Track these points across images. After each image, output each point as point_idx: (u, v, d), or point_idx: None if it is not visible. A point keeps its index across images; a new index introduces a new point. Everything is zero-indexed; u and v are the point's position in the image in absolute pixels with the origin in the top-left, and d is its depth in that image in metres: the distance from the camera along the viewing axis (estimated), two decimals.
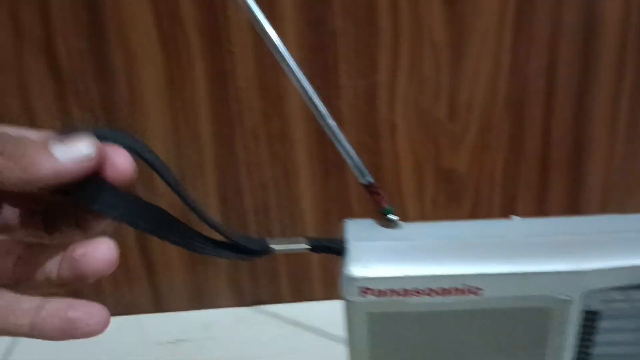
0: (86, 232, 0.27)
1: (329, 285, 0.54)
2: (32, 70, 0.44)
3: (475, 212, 0.50)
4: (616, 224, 0.35)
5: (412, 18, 0.43)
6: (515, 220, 0.36)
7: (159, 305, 0.54)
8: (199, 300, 0.54)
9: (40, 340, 0.57)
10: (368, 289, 0.33)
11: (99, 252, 0.25)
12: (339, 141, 0.35)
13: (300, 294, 0.54)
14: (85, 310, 0.25)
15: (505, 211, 0.50)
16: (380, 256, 0.34)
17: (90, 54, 0.44)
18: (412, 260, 0.33)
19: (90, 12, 0.42)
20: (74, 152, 0.25)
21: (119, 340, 0.52)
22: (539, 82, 0.45)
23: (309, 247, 0.35)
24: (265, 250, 0.33)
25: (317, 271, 0.53)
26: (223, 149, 0.48)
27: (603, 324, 0.34)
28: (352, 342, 0.36)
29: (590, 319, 0.34)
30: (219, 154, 0.48)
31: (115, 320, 0.57)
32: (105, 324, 0.25)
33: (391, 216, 0.36)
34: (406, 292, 0.33)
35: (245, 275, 0.53)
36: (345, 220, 0.37)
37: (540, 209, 0.49)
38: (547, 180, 0.49)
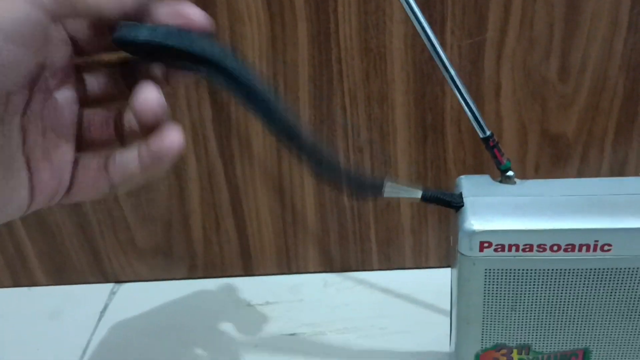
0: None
1: (418, 253, 0.53)
2: None
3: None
4: None
5: None
6: None
7: (249, 269, 0.54)
8: (288, 265, 0.54)
9: (134, 299, 0.58)
10: (487, 243, 0.32)
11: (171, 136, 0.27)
12: (460, 93, 0.34)
13: (390, 262, 0.53)
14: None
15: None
16: (499, 210, 0.33)
17: None
18: (534, 215, 0.32)
19: None
20: None
21: (211, 301, 0.53)
22: None
23: (420, 195, 0.34)
24: (377, 189, 0.33)
25: (408, 239, 0.52)
26: (321, 110, 0.47)
27: None
28: (463, 299, 0.34)
29: None
30: (316, 115, 0.47)
31: (208, 282, 0.58)
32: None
33: (509, 172, 0.35)
34: (529, 248, 0.32)
35: (335, 242, 0.53)
36: (460, 176, 0.36)
37: None
38: None
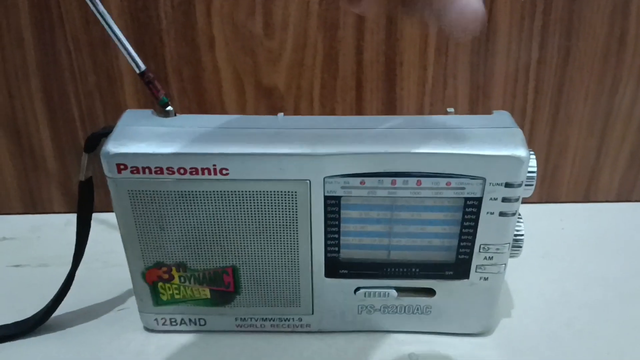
0: None
1: None
2: None
3: None
4: (372, 122, 0.38)
5: None
6: (280, 116, 0.39)
7: None
8: (33, 205, 0.56)
9: None
10: (123, 165, 0.35)
11: None
12: (115, 35, 0.37)
13: None
14: None
15: None
16: (139, 137, 0.36)
17: None
18: (167, 141, 0.36)
19: None
20: None
21: None
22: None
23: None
24: None
25: None
26: (46, 55, 0.49)
27: (347, 212, 0.38)
28: (119, 221, 0.38)
29: (333, 204, 0.37)
30: (42, 60, 0.49)
31: None
32: None
33: (167, 107, 0.38)
34: (159, 170, 0.36)
35: (76, 184, 0.55)
36: (126, 110, 0.39)
37: None
38: (363, 100, 0.52)
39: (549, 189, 0.58)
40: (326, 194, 0.36)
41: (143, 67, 0.37)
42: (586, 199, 0.59)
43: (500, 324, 0.45)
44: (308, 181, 0.36)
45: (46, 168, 0.54)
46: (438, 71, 0.50)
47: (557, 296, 0.47)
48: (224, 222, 0.37)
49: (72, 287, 0.44)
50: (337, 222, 0.38)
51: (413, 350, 0.42)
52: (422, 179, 0.36)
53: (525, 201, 0.37)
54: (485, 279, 0.40)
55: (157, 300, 0.42)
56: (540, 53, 0.51)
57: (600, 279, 0.49)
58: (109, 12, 0.37)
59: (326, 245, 0.39)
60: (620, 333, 0.44)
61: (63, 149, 0.53)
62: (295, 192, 0.36)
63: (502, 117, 0.39)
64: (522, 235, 0.40)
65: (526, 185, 0.36)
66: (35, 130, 0.52)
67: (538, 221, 0.55)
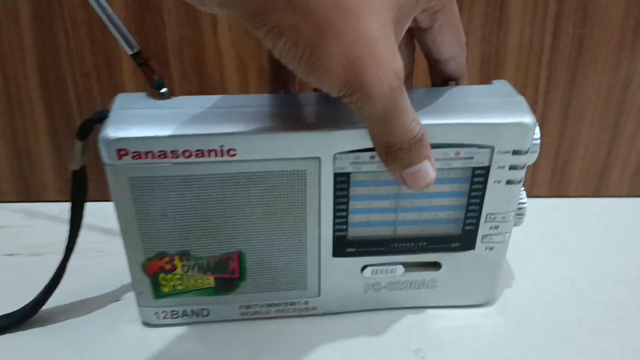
0: None
1: None
2: None
3: None
4: None
5: None
6: (281, 94, 0.38)
7: None
8: (26, 192, 0.55)
9: None
10: (124, 150, 0.34)
11: None
12: (105, 13, 0.35)
13: None
14: None
15: None
16: (138, 120, 0.35)
17: None
18: (168, 123, 0.34)
19: None
20: None
21: None
22: None
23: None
24: None
25: None
26: (43, 34, 0.47)
27: (355, 189, 0.37)
28: (118, 210, 0.36)
29: (342, 182, 0.36)
30: (38, 39, 0.47)
31: None
32: None
33: (162, 89, 0.36)
34: (162, 154, 0.34)
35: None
36: (118, 94, 0.37)
37: None
38: None
39: (559, 183, 0.57)
40: (336, 171, 0.36)
41: (137, 47, 0.36)
42: (597, 193, 0.57)
43: (509, 320, 0.44)
44: (318, 159, 0.35)
45: (40, 153, 0.52)
46: None
47: (567, 292, 0.46)
48: (232, 205, 0.36)
49: (65, 278, 0.42)
50: (346, 200, 0.37)
51: (413, 324, 0.42)
52: (432, 150, 0.35)
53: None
54: (491, 248, 0.40)
55: (158, 293, 0.40)
56: (554, 42, 0.50)
57: (611, 275, 0.48)
58: None
59: (334, 224, 0.38)
60: (630, 329, 0.43)
61: (58, 133, 0.51)
62: (305, 170, 0.35)
63: (502, 86, 0.38)
64: (524, 203, 0.40)
65: (531, 152, 0.36)
66: (30, 113, 0.50)
67: (548, 216, 0.54)
